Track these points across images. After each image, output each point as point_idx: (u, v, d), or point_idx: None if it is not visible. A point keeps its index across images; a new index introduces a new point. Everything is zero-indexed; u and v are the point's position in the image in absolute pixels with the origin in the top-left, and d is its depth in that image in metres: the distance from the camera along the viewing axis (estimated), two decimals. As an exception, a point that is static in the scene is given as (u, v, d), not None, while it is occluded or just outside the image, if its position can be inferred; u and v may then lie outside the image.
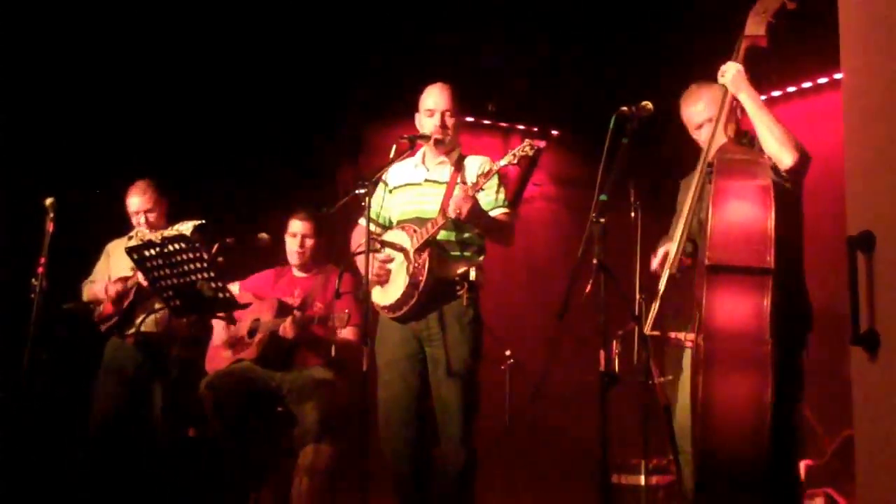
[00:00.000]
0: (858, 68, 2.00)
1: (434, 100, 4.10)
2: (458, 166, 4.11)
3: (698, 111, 3.55)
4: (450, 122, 4.08)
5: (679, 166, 3.79)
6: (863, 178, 1.94)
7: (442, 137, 4.05)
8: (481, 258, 4.08)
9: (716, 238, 3.05)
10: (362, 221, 4.25)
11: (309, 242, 4.83)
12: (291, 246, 4.85)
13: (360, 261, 4.08)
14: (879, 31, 1.93)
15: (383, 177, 4.19)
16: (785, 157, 3.20)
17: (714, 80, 3.42)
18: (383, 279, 4.04)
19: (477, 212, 3.90)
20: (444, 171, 4.12)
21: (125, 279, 4.91)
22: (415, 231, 3.97)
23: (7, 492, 4.65)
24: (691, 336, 3.23)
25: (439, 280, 3.96)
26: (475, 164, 4.12)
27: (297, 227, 4.84)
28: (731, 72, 3.32)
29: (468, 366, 3.98)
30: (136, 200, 5.00)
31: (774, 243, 3.02)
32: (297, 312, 4.53)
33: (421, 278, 3.93)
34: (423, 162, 4.17)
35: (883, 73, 1.90)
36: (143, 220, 4.97)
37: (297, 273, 4.92)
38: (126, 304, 4.91)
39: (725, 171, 3.14)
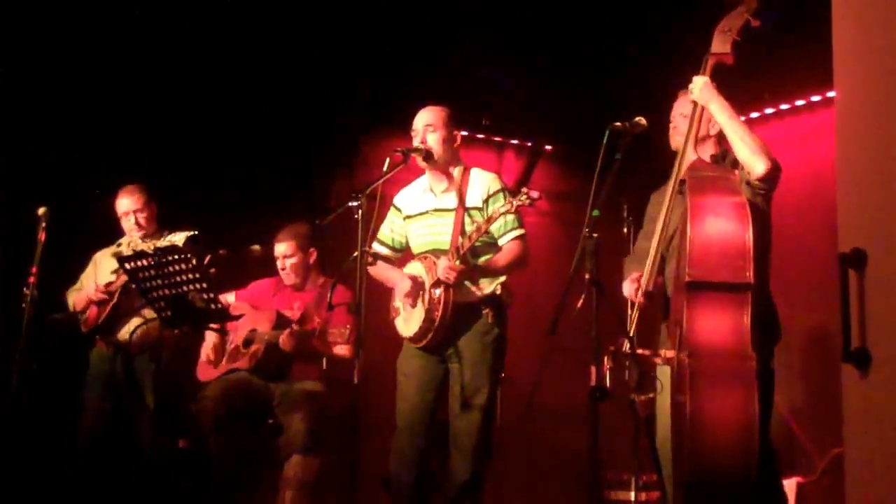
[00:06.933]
0: (851, 86, 2.00)
1: (415, 119, 4.15)
2: (462, 188, 4.11)
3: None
4: (431, 137, 4.09)
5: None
6: (855, 196, 1.95)
7: (424, 149, 4.06)
8: (503, 277, 4.09)
9: (695, 255, 3.03)
10: (377, 246, 4.26)
11: (291, 262, 4.80)
12: (280, 269, 4.85)
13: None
14: (872, 50, 1.94)
15: (395, 202, 4.27)
16: (757, 166, 3.21)
17: None
18: (406, 310, 4.08)
19: (468, 274, 3.97)
20: (450, 197, 4.13)
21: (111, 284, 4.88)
22: (434, 263, 3.99)
23: (-5, 503, 4.63)
24: (670, 353, 3.22)
25: (461, 306, 3.98)
26: (480, 182, 4.13)
27: (278, 250, 4.83)
28: (699, 85, 3.33)
29: (486, 385, 4.00)
30: (126, 201, 4.98)
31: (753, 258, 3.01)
32: (295, 326, 4.51)
33: (437, 314, 3.95)
34: (431, 188, 4.18)
35: (876, 91, 1.91)
36: (132, 221, 4.94)
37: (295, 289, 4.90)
38: (110, 307, 4.86)
39: (699, 188, 3.13)
